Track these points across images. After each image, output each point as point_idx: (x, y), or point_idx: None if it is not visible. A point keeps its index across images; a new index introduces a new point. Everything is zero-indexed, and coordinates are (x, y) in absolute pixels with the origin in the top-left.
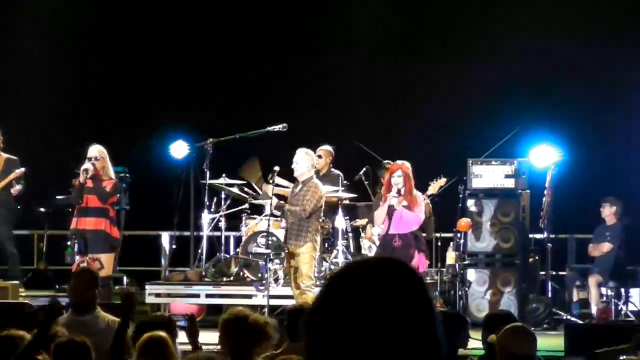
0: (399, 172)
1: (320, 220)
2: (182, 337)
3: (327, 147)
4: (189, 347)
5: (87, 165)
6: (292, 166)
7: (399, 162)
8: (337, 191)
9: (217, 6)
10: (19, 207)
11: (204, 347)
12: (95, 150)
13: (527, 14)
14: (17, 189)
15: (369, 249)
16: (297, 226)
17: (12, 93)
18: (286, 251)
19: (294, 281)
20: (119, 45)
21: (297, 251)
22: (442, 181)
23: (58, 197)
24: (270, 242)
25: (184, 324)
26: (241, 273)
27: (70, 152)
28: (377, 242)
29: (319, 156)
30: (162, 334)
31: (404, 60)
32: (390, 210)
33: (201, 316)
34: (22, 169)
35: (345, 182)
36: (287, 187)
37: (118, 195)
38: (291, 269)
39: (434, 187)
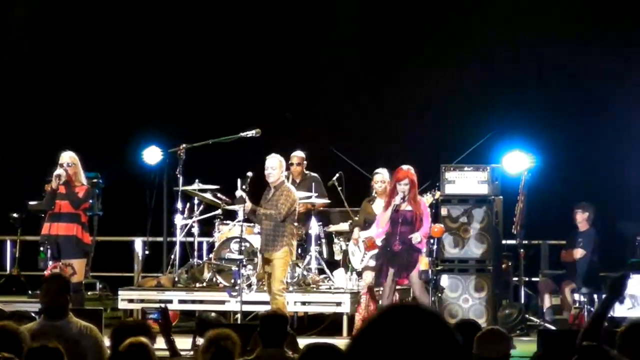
0: (405, 181)
1: (294, 225)
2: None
3: (300, 153)
4: (166, 353)
5: (59, 171)
6: (266, 172)
7: (404, 167)
8: (311, 197)
9: (191, 11)
10: None
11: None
12: (67, 156)
13: (501, 18)
14: None
15: (352, 253)
16: (272, 231)
17: None
18: (260, 257)
19: (269, 287)
20: (93, 49)
21: (273, 256)
22: (437, 194)
23: (31, 202)
24: (243, 248)
25: (156, 317)
26: (214, 279)
27: (43, 157)
28: (362, 247)
29: (291, 164)
30: (143, 339)
31: (377, 64)
32: (395, 215)
33: (175, 322)
34: None
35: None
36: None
37: (90, 201)
38: (265, 274)
39: (428, 200)
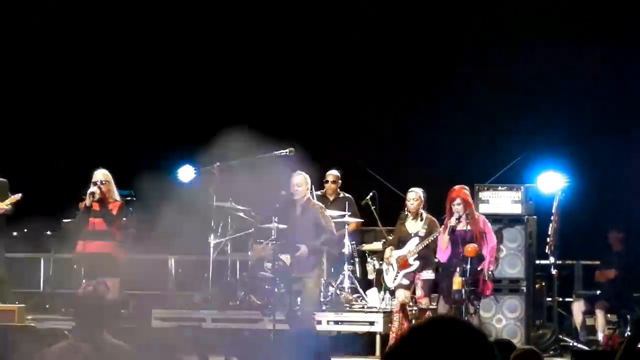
0: (458, 200)
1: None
2: None
3: (336, 172)
4: None
5: (93, 188)
6: (294, 189)
7: (456, 187)
8: (344, 216)
9: (226, 28)
10: (25, 230)
11: None
12: (101, 174)
13: (533, 38)
14: (6, 209)
15: (386, 271)
16: (307, 252)
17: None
18: (293, 276)
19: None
20: (127, 67)
21: (306, 276)
22: None
23: (65, 220)
24: (276, 267)
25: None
26: (247, 297)
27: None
28: (395, 265)
29: (326, 181)
30: None
31: (410, 85)
32: (453, 236)
33: None
34: (19, 195)
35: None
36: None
37: (124, 218)
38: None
39: (453, 220)
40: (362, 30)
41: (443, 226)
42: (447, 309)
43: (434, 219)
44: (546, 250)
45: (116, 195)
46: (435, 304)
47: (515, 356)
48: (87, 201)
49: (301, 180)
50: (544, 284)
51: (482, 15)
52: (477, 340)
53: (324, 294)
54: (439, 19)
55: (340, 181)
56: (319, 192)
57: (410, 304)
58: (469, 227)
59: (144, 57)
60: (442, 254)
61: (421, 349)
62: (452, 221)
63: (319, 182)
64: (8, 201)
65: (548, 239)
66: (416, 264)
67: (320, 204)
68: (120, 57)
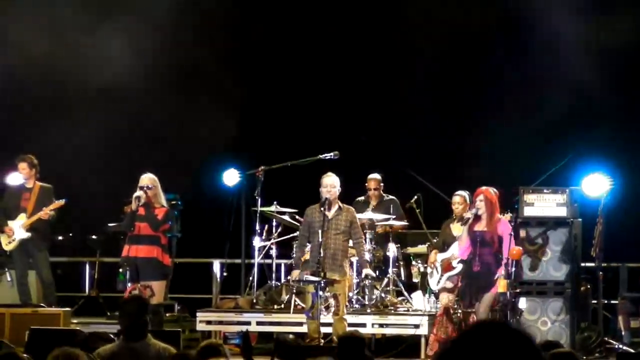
0: (480, 197)
1: (372, 247)
2: None
3: (377, 176)
4: None
5: (138, 192)
6: (328, 190)
7: (483, 187)
8: (389, 219)
9: (273, 37)
10: (70, 234)
11: None
12: (147, 178)
13: (580, 43)
14: (50, 214)
15: (430, 274)
16: (341, 252)
17: (66, 119)
18: (326, 279)
19: (337, 308)
20: (172, 73)
21: (337, 278)
22: (508, 216)
23: (110, 224)
24: (321, 270)
25: (238, 342)
26: (292, 301)
27: (122, 179)
28: (439, 268)
29: (369, 188)
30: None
31: (456, 88)
32: (473, 235)
33: (253, 343)
34: (63, 201)
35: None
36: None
37: (170, 222)
38: (332, 295)
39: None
40: (404, 34)
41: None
42: (487, 312)
43: (505, 219)
44: (591, 253)
45: (162, 200)
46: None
47: (553, 354)
48: (133, 205)
49: (332, 181)
50: (589, 286)
51: (524, 18)
52: (525, 344)
53: (368, 296)
54: (482, 25)
55: (382, 184)
56: (361, 198)
57: (455, 306)
58: (486, 229)
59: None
60: (461, 251)
61: (471, 353)
62: (468, 214)
63: (361, 187)
64: (52, 207)
65: (593, 242)
66: (460, 267)
67: (351, 207)
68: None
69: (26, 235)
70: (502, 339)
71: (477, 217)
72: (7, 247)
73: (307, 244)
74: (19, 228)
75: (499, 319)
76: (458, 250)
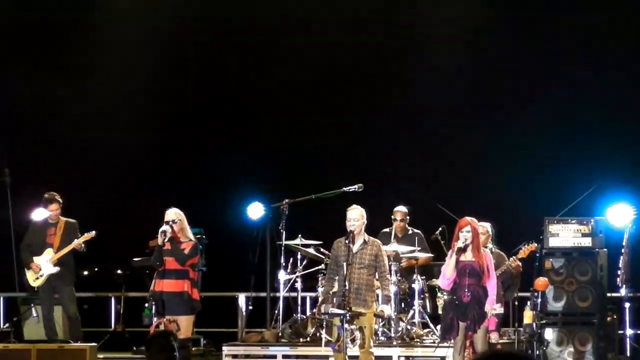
0: (467, 228)
1: (397, 279)
2: None
3: (404, 208)
4: None
5: (164, 227)
6: (351, 223)
7: (468, 218)
8: (414, 251)
9: (295, 70)
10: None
11: None
12: (173, 213)
13: (605, 67)
14: (81, 244)
15: None
16: (365, 285)
17: (90, 156)
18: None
19: (363, 341)
20: (195, 106)
21: (363, 311)
22: (534, 246)
23: (135, 259)
24: (346, 303)
25: None
26: (318, 334)
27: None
28: None
29: (395, 219)
30: None
31: (477, 116)
32: (461, 266)
33: None
34: (93, 232)
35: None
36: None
37: (196, 256)
38: (358, 328)
39: (525, 252)
40: (427, 63)
41: (449, 254)
42: (485, 344)
43: (502, 253)
44: (617, 283)
45: (189, 233)
46: (505, 337)
47: None
48: (159, 239)
49: (358, 215)
50: (615, 316)
51: (551, 43)
52: None
53: (394, 329)
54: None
55: (408, 217)
56: (386, 229)
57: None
58: (474, 259)
59: (215, 94)
60: (445, 281)
61: None
62: (459, 243)
63: (387, 219)
64: (83, 238)
65: (619, 272)
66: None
67: (377, 240)
68: (191, 93)
69: (54, 270)
70: None
71: (462, 249)
72: (35, 283)
73: (335, 277)
74: (46, 263)
75: (519, 349)
76: (440, 280)
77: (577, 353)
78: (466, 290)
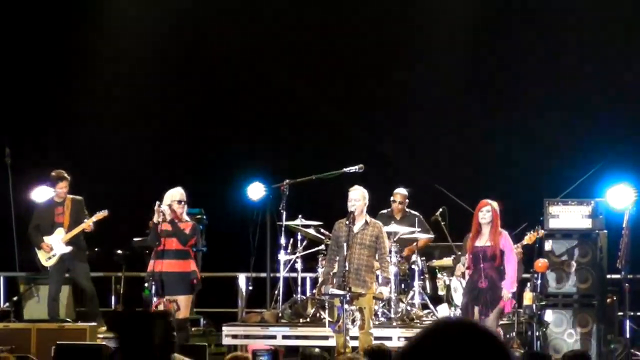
0: (487, 207)
1: (397, 260)
2: None
3: (403, 191)
4: None
5: (163, 207)
6: (352, 204)
7: (488, 199)
8: (414, 232)
9: (295, 52)
10: (96, 249)
11: None
12: (179, 193)
13: (608, 54)
14: (91, 225)
15: (454, 289)
16: (365, 267)
17: (92, 135)
18: (351, 293)
19: (363, 322)
20: (197, 87)
21: (363, 292)
22: (541, 233)
23: (135, 239)
24: (346, 284)
25: (267, 358)
26: (318, 314)
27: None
28: (463, 281)
29: (394, 201)
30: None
31: (479, 98)
32: (476, 251)
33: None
34: (105, 211)
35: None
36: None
37: (196, 236)
38: (358, 309)
39: (530, 238)
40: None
41: (471, 236)
42: (495, 327)
43: (505, 233)
44: (617, 265)
45: (185, 214)
46: (505, 319)
47: (566, 356)
48: (155, 217)
49: (359, 195)
50: (615, 298)
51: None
52: (492, 344)
53: (394, 310)
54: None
55: (407, 200)
56: (384, 211)
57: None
58: (489, 244)
59: (215, 75)
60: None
61: (434, 350)
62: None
63: (386, 200)
64: (94, 218)
65: (619, 253)
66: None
67: (378, 222)
68: (192, 74)
69: (67, 249)
70: (468, 338)
71: (477, 232)
72: (47, 263)
73: (336, 258)
74: (58, 243)
75: (518, 330)
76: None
77: (576, 334)
78: (482, 275)
